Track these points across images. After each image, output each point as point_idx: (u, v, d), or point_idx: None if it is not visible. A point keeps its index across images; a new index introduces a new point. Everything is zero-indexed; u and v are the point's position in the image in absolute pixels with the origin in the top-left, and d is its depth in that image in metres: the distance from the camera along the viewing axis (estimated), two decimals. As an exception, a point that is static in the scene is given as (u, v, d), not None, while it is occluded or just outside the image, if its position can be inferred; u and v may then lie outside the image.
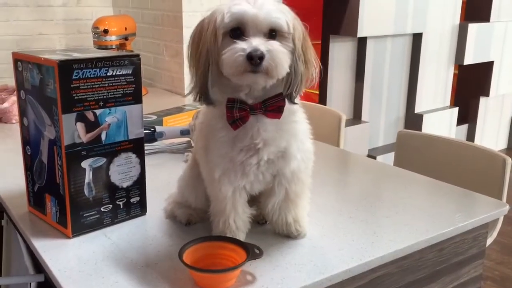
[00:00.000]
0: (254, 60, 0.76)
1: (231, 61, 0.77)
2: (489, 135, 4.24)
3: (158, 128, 1.47)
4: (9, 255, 1.70)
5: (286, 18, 0.81)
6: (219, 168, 0.87)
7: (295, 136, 0.88)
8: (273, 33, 0.80)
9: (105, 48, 2.11)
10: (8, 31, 2.36)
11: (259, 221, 1.00)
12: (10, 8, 2.34)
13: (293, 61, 0.82)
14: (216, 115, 0.87)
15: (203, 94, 0.83)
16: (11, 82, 2.29)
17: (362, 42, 3.27)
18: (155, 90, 2.43)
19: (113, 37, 2.11)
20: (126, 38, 2.19)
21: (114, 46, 2.14)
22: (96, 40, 2.12)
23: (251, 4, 0.79)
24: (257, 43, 0.77)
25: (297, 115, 0.90)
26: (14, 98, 1.77)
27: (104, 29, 2.07)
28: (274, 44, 0.78)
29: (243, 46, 0.77)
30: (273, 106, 0.83)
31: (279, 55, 0.78)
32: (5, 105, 1.73)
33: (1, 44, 2.35)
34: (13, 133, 1.66)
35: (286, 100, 0.85)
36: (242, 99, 0.83)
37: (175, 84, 2.35)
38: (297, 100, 0.86)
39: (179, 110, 1.78)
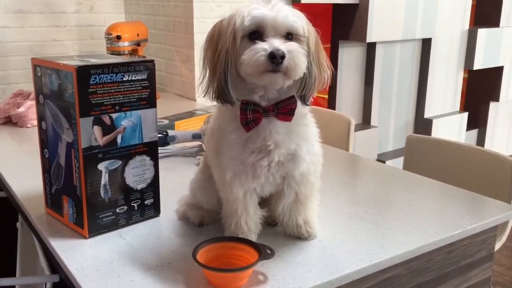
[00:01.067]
0: (277, 59, 0.79)
1: (253, 60, 0.79)
2: (499, 140, 4.22)
3: (171, 132, 1.50)
4: (24, 256, 1.73)
5: (301, 22, 0.84)
6: (230, 170, 0.90)
7: (305, 139, 0.91)
8: (289, 36, 0.84)
9: (118, 54, 2.15)
10: (23, 37, 2.41)
11: (270, 223, 1.02)
12: (25, 14, 2.39)
13: (307, 64, 0.85)
14: (227, 118, 0.89)
15: (221, 94, 0.85)
16: (26, 87, 2.34)
17: (371, 47, 3.29)
18: (166, 95, 2.46)
19: (126, 43, 2.15)
20: (138, 44, 2.23)
21: (126, 52, 2.17)
22: (109, 46, 2.16)
23: (268, 9, 0.82)
24: (278, 43, 0.80)
25: (307, 118, 0.92)
26: (29, 102, 1.81)
27: (117, 35, 2.11)
28: (293, 45, 0.82)
29: (264, 46, 0.80)
30: (285, 108, 0.86)
31: (298, 55, 0.81)
32: (21, 109, 1.77)
33: (16, 50, 2.40)
34: (29, 137, 1.69)
35: (299, 102, 0.87)
36: (255, 101, 0.85)
37: (186, 89, 2.38)
38: (309, 102, 0.89)
39: (191, 114, 1.81)
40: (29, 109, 1.79)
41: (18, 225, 1.70)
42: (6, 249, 1.93)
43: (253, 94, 0.86)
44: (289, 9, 0.84)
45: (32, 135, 1.72)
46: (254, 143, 0.87)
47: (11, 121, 1.83)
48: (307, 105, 0.89)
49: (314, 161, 0.94)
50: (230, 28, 0.82)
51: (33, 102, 1.82)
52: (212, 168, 0.96)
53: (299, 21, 0.84)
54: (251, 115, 0.84)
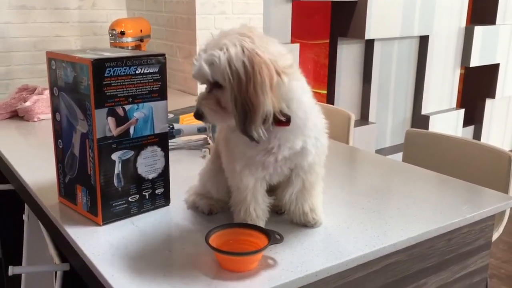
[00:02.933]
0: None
1: None
2: (495, 137, 4.28)
3: (176, 126, 1.53)
4: (30, 248, 1.76)
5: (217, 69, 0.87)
6: (240, 163, 0.94)
7: (309, 136, 0.94)
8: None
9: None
10: (26, 33, 2.43)
11: (277, 211, 1.06)
12: (28, 10, 2.42)
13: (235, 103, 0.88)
14: None
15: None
16: (29, 82, 2.37)
17: (369, 44, 3.33)
18: (169, 91, 2.47)
19: (129, 39, 2.18)
20: (141, 40, 2.26)
21: (130, 48, 2.20)
22: (112, 41, 2.18)
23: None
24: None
25: (311, 112, 0.95)
26: (35, 97, 1.84)
27: (121, 31, 2.14)
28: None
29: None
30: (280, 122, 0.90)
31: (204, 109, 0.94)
32: (28, 103, 1.80)
33: (19, 46, 2.42)
34: (36, 130, 1.72)
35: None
36: None
37: (188, 85, 2.41)
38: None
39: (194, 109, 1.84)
40: (35, 103, 1.81)
41: (25, 217, 1.73)
42: (12, 241, 1.96)
43: None
44: (205, 57, 0.88)
45: (38, 128, 1.75)
46: (264, 145, 0.91)
47: (17, 115, 1.85)
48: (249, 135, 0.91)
49: (320, 153, 0.98)
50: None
51: (39, 97, 1.85)
52: (222, 155, 0.99)
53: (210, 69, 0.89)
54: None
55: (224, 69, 0.85)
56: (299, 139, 0.93)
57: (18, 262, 1.86)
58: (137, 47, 2.25)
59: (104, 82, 0.95)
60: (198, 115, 0.91)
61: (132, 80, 0.99)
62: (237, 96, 0.85)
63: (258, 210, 0.97)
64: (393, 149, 3.58)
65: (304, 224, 1.01)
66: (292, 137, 0.92)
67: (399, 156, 3.23)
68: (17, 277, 1.85)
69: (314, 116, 0.95)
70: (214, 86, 0.89)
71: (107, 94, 0.96)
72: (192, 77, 0.90)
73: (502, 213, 1.55)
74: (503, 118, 4.32)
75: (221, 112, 0.89)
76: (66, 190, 1.09)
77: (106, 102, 0.96)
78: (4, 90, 2.41)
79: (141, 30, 2.24)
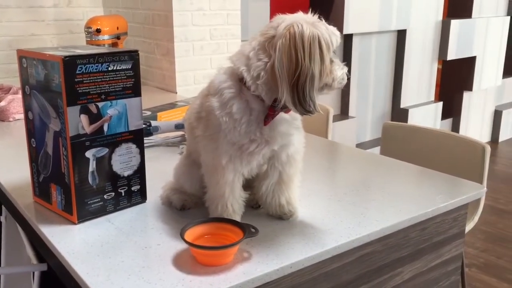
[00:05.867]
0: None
1: (341, 79, 0.92)
2: (473, 129, 4.35)
3: (154, 123, 1.53)
4: (8, 249, 1.74)
5: None
6: (227, 155, 0.93)
7: (297, 127, 0.97)
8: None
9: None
10: (1, 32, 2.40)
11: (252, 206, 1.07)
12: (2, 9, 2.38)
13: None
14: (241, 109, 0.91)
15: (304, 104, 0.88)
16: (5, 81, 2.33)
17: (348, 39, 3.36)
18: (147, 88, 2.48)
19: (106, 37, 2.16)
20: (118, 38, 2.24)
21: (106, 46, 2.18)
22: (88, 39, 2.16)
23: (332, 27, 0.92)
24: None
25: None
26: (10, 97, 1.81)
27: (97, 28, 2.12)
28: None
29: (344, 69, 0.93)
30: None
31: None
32: (2, 103, 1.78)
33: (-6, 45, 2.39)
34: (11, 130, 1.70)
35: None
36: (281, 100, 0.89)
37: (167, 82, 2.40)
38: None
39: (172, 106, 1.84)
40: (10, 103, 1.79)
41: (2, 218, 1.71)
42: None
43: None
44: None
45: (14, 128, 1.72)
46: (261, 133, 0.92)
47: (-8, 116, 1.83)
48: None
49: (300, 142, 1.00)
50: (318, 43, 0.87)
51: (14, 96, 1.82)
52: (203, 153, 0.98)
53: None
54: (275, 111, 0.91)
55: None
56: (292, 130, 0.95)
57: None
58: (114, 44, 2.23)
59: (76, 80, 0.94)
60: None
61: (104, 77, 0.99)
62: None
63: (234, 205, 0.98)
64: (373, 143, 3.62)
65: (280, 216, 1.02)
66: (288, 128, 0.94)
67: (379, 149, 3.27)
68: (-4, 279, 1.83)
69: None
70: None
71: (79, 91, 0.95)
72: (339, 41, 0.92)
73: (477, 203, 1.58)
74: (481, 110, 4.39)
75: None
76: (41, 189, 1.08)
77: (78, 100, 0.95)
78: (-21, 91, 2.37)
79: (117, 28, 2.23)
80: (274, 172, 0.99)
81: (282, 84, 0.86)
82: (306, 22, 0.88)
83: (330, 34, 0.89)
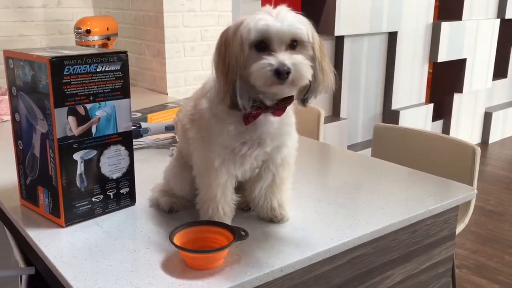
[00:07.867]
0: (282, 75, 0.82)
1: (260, 75, 0.82)
2: (463, 131, 4.37)
3: (144, 125, 1.51)
4: (-4, 252, 1.72)
5: (306, 29, 0.86)
6: (219, 158, 0.92)
7: (289, 130, 0.96)
8: (294, 43, 0.86)
9: (88, 48, 2.14)
10: (-11, 32, 2.37)
11: (243, 208, 1.06)
12: (-9, 9, 2.35)
13: (313, 69, 0.88)
14: (226, 110, 0.89)
15: (232, 101, 0.86)
16: (-7, 83, 2.30)
17: (339, 41, 3.36)
18: (137, 90, 2.46)
19: (96, 37, 2.14)
20: (108, 38, 2.22)
21: (96, 46, 2.17)
22: (78, 40, 2.14)
23: (273, 17, 0.84)
24: (283, 57, 0.82)
25: (290, 110, 0.96)
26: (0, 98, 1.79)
27: (87, 29, 2.10)
28: (298, 58, 0.84)
29: (271, 61, 0.82)
30: (283, 106, 0.90)
31: (303, 68, 0.84)
32: (-10, 105, 1.76)
33: (-18, 46, 2.36)
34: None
35: (300, 102, 0.93)
36: (261, 100, 0.89)
37: (157, 83, 2.39)
38: (309, 103, 0.94)
39: (163, 107, 1.82)
40: (-2, 104, 1.77)
41: (-11, 221, 1.68)
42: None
43: (261, 95, 0.89)
44: (293, 16, 0.86)
45: (1, 130, 1.70)
46: (250, 135, 0.91)
47: (-21, 117, 1.80)
48: (305, 106, 0.94)
49: (294, 145, 0.99)
50: (237, 40, 0.84)
51: (2, 97, 1.80)
52: (195, 155, 0.97)
53: (303, 28, 0.86)
54: (254, 111, 0.88)
55: (310, 29, 0.87)
56: (284, 133, 0.94)
57: (-16, 268, 1.81)
58: (104, 45, 2.21)
59: (64, 81, 0.93)
60: (287, 71, 0.82)
61: (93, 78, 0.97)
62: (318, 59, 0.88)
63: (225, 208, 0.97)
64: (364, 145, 3.62)
65: (271, 219, 1.01)
66: (279, 131, 0.93)
67: (370, 151, 3.28)
68: (-17, 283, 1.80)
69: (291, 109, 0.96)
70: (291, 46, 0.86)
71: (67, 92, 0.94)
72: (271, 32, 0.83)
73: (468, 204, 1.58)
74: (471, 112, 4.41)
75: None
76: (28, 192, 1.07)
77: (66, 101, 0.94)
78: (-34, 92, 2.34)
79: (107, 28, 2.21)
80: (268, 174, 0.98)
81: (219, 78, 0.87)
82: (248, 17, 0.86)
83: (250, 28, 0.84)
